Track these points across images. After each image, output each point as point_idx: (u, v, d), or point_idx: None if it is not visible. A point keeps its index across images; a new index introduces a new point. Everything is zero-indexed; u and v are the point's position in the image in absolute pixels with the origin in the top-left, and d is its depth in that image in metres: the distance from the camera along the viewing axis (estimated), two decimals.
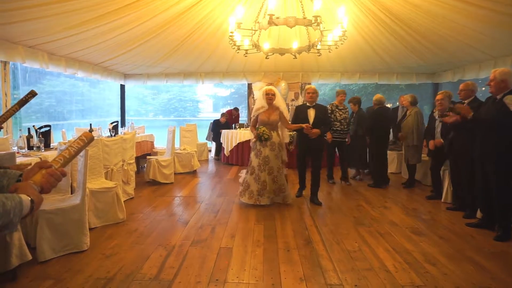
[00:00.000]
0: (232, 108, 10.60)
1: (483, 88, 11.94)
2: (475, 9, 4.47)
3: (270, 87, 5.10)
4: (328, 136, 6.18)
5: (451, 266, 3.04)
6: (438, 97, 4.91)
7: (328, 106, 6.23)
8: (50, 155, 4.12)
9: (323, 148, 5.30)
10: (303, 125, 4.84)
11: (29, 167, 1.25)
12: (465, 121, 3.86)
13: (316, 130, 4.86)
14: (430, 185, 5.87)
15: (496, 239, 3.67)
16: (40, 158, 3.90)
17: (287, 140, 5.26)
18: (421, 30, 5.73)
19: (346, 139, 6.52)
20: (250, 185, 4.91)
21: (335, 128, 6.29)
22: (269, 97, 4.93)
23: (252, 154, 5.00)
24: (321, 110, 5.12)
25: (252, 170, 4.93)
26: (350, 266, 3.05)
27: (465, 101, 4.47)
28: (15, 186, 1.11)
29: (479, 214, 4.29)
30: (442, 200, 5.22)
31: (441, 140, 5.01)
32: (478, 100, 4.38)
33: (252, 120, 5.15)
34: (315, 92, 5.12)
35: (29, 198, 1.07)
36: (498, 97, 3.70)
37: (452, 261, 3.14)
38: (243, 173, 5.70)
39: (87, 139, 1.31)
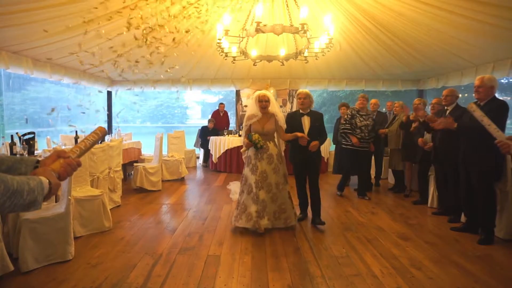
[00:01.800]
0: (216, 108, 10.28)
1: (466, 95, 12.24)
2: (457, 18, 4.60)
3: (264, 91, 4.40)
4: (354, 140, 5.63)
5: (437, 270, 3.08)
6: (433, 101, 5.05)
7: (348, 110, 5.98)
8: None
9: (321, 161, 4.77)
10: (299, 134, 4.20)
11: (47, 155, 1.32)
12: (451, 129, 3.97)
13: (316, 142, 4.24)
14: (416, 190, 5.95)
15: (480, 243, 3.74)
16: None
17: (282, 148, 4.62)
18: (405, 38, 5.86)
19: (368, 148, 5.87)
20: (248, 207, 4.13)
21: (354, 136, 5.71)
22: (263, 104, 4.24)
23: (247, 170, 4.26)
24: (316, 117, 4.47)
25: (250, 189, 4.16)
26: (338, 272, 3.06)
27: (448, 108, 4.57)
28: (34, 172, 1.19)
29: (463, 218, 4.38)
30: (428, 205, 5.30)
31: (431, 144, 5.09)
32: (460, 107, 4.48)
33: (244, 130, 4.42)
34: (307, 97, 4.45)
35: (47, 180, 1.14)
36: (482, 103, 3.80)
37: (437, 265, 3.19)
38: (232, 186, 5.40)
39: (101, 132, 1.45)
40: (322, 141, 4.45)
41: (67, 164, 1.25)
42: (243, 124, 4.49)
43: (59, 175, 1.23)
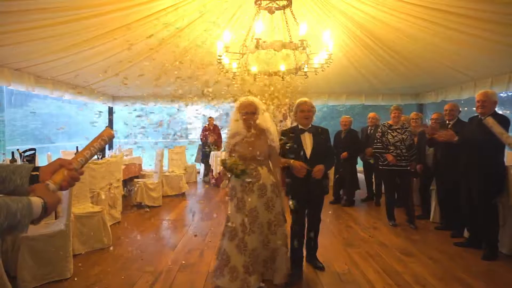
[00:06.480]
0: (205, 124, 9.82)
1: (465, 109, 12.30)
2: (456, 34, 4.64)
3: (250, 98, 3.17)
4: (389, 158, 4.94)
5: (441, 287, 3.03)
6: (433, 116, 5.08)
7: (378, 128, 5.45)
8: None
9: (326, 192, 3.43)
10: (295, 163, 3.13)
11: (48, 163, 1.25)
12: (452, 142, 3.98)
13: (320, 167, 3.14)
14: (418, 205, 5.90)
15: (484, 258, 3.70)
16: None
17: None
18: (404, 53, 5.91)
19: (408, 167, 5.02)
20: (231, 258, 2.90)
21: (389, 153, 5.03)
22: (245, 117, 3.07)
23: (231, 206, 3.05)
24: (321, 134, 3.39)
25: (233, 233, 2.95)
26: None
27: (450, 122, 4.59)
28: (32, 188, 1.12)
29: (466, 233, 4.33)
30: (431, 219, 5.25)
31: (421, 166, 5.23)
32: (461, 122, 4.49)
33: (226, 150, 3.27)
34: (311, 110, 3.40)
35: (42, 200, 1.07)
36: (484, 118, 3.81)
37: (441, 282, 3.14)
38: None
39: (109, 137, 1.31)
40: (329, 165, 3.38)
41: (70, 178, 1.18)
42: (226, 143, 3.33)
43: (60, 187, 1.17)
